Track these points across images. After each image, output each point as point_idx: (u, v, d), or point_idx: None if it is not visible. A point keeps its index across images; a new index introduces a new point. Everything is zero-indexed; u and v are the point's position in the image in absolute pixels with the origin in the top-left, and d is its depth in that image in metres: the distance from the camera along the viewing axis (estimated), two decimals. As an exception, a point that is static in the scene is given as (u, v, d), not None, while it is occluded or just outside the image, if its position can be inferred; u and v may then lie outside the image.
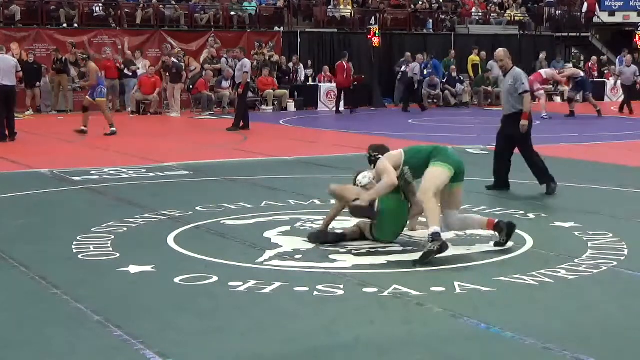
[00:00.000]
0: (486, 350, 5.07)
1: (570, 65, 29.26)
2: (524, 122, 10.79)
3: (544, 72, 24.55)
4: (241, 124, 19.71)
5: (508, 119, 10.98)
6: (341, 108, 25.65)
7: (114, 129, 17.88)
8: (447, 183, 7.44)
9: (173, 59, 24.42)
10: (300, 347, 5.03)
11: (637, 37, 31.99)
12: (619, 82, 31.29)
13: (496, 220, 7.68)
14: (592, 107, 23.97)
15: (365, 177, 7.96)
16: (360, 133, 18.46)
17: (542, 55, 30.39)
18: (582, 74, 25.25)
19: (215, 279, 6.51)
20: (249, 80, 20.26)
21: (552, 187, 10.56)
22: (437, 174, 7.39)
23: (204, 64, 26.32)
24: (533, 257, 7.31)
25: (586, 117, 23.24)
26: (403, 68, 28.39)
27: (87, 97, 18.13)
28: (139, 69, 25.51)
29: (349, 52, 29.27)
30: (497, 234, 7.63)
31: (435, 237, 7.08)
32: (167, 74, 24.51)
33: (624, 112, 25.23)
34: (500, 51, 10.94)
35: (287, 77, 27.51)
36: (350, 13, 31.07)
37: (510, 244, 7.62)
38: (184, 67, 24.86)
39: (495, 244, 7.60)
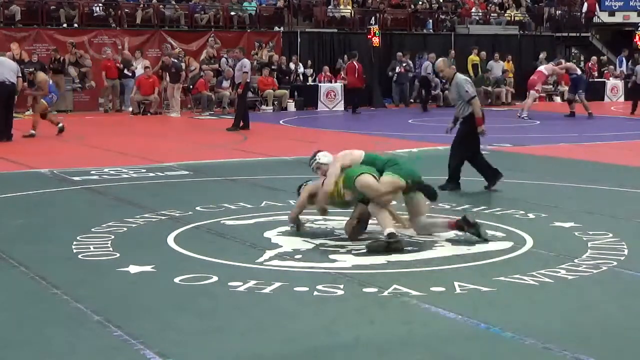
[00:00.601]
0: (486, 351, 5.07)
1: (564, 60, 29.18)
2: (481, 129, 10.85)
3: (545, 68, 24.48)
4: (241, 124, 19.70)
5: (462, 121, 11.01)
6: (341, 108, 25.68)
7: (33, 132, 17.71)
8: (400, 192, 7.74)
9: (172, 59, 24.42)
10: (300, 347, 5.03)
11: (637, 37, 31.99)
12: (620, 82, 31.35)
13: (455, 220, 7.84)
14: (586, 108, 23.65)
15: (325, 155, 8.25)
16: (360, 133, 18.48)
17: (542, 55, 30.39)
18: (578, 71, 25.18)
19: (215, 279, 6.51)
20: (248, 80, 20.22)
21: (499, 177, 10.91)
22: (388, 182, 7.62)
23: (202, 64, 26.33)
24: (533, 257, 7.31)
25: (586, 117, 23.21)
26: (397, 69, 28.41)
27: (42, 101, 18.09)
28: (136, 68, 25.50)
29: (349, 52, 29.29)
30: (462, 232, 7.79)
31: (391, 236, 7.35)
32: (167, 74, 24.50)
33: (635, 113, 24.81)
34: (440, 62, 11.17)
35: (287, 77, 27.52)
36: (350, 13, 31.07)
37: (495, 246, 7.62)
38: (183, 67, 24.85)
39: (477, 241, 7.71)
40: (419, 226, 7.96)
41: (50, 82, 18.68)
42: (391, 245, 7.35)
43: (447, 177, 10.90)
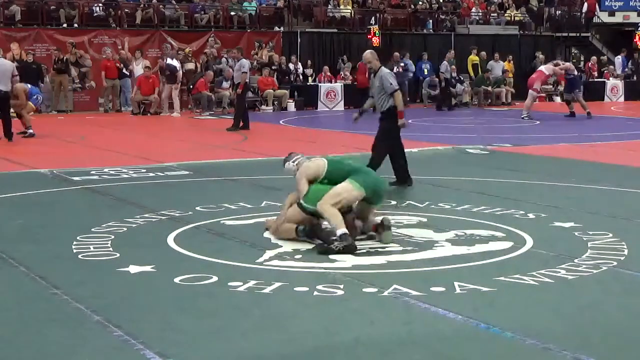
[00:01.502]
0: (486, 351, 5.07)
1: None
2: (402, 122, 11.09)
3: (545, 68, 24.45)
4: (241, 124, 19.70)
5: (381, 117, 11.28)
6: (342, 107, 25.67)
7: (31, 131, 17.68)
8: (356, 202, 7.72)
9: (167, 61, 24.48)
10: (300, 347, 5.03)
11: (637, 37, 31.98)
12: (620, 82, 31.33)
13: (379, 221, 7.85)
14: (582, 107, 23.57)
15: (296, 163, 8.12)
16: (360, 133, 18.48)
17: (541, 56, 30.37)
18: (575, 72, 25.18)
19: (215, 279, 6.51)
20: (247, 80, 20.25)
21: (408, 184, 11.09)
22: (346, 190, 7.58)
23: (206, 64, 26.32)
24: (533, 257, 7.31)
25: (586, 117, 23.21)
26: (395, 69, 28.39)
27: (29, 103, 18.05)
28: (133, 68, 25.52)
29: (349, 52, 29.31)
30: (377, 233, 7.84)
31: (342, 237, 7.30)
32: (163, 76, 24.64)
33: None
34: (368, 53, 11.26)
35: (287, 77, 27.51)
36: (350, 13, 31.07)
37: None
38: (178, 68, 24.89)
39: (477, 241, 7.78)
40: (364, 227, 7.97)
41: (29, 86, 18.52)
42: (345, 247, 7.26)
43: (396, 179, 11.13)
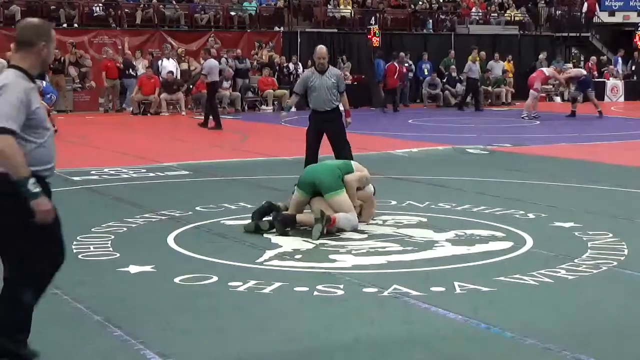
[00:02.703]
0: (486, 351, 5.07)
1: (571, 65, 29.09)
2: (349, 121, 11.13)
3: (546, 69, 24.39)
4: (213, 124, 19.82)
5: (334, 120, 10.99)
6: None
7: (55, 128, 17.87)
8: (302, 203, 8.46)
9: (170, 73, 24.73)
10: (300, 347, 5.03)
11: (637, 37, 31.96)
12: (620, 82, 31.31)
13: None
14: (593, 107, 23.53)
15: None
16: (360, 133, 18.47)
17: (542, 55, 30.38)
18: (585, 72, 25.13)
19: (215, 279, 6.51)
20: (217, 79, 20.70)
21: None
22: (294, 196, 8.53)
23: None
24: (533, 257, 7.31)
25: (586, 117, 23.21)
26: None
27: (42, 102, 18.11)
28: (137, 69, 25.55)
29: (349, 52, 29.31)
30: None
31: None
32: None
33: None
34: (324, 49, 11.09)
35: (287, 77, 27.48)
36: (350, 13, 31.07)
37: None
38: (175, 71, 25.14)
39: (477, 241, 7.84)
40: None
41: (44, 84, 18.56)
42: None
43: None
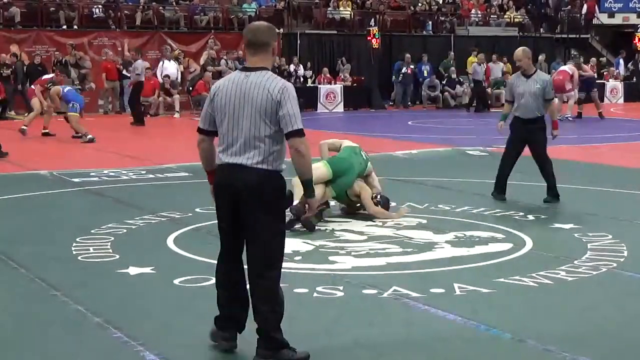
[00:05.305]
0: (486, 352, 5.07)
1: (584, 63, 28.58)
2: (556, 133, 10.55)
3: (568, 68, 23.40)
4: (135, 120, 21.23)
5: (531, 126, 10.33)
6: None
7: (90, 136, 17.36)
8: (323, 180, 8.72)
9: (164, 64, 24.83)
10: (299, 348, 5.02)
11: (636, 38, 31.95)
12: (619, 84, 31.27)
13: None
14: (593, 108, 23.38)
15: None
16: (359, 134, 18.47)
17: (542, 57, 30.35)
18: (593, 73, 25.12)
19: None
20: (142, 80, 22.09)
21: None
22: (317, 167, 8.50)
23: (205, 65, 26.31)
24: (533, 259, 7.31)
25: (586, 119, 23.19)
26: (404, 70, 28.39)
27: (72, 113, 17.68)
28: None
29: (349, 53, 29.30)
30: None
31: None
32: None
33: None
34: (518, 50, 10.56)
35: (286, 79, 27.50)
36: (350, 14, 31.06)
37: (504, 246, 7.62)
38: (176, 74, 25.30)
39: (476, 243, 7.78)
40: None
41: (68, 88, 18.17)
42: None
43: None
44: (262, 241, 4.73)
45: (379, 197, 9.13)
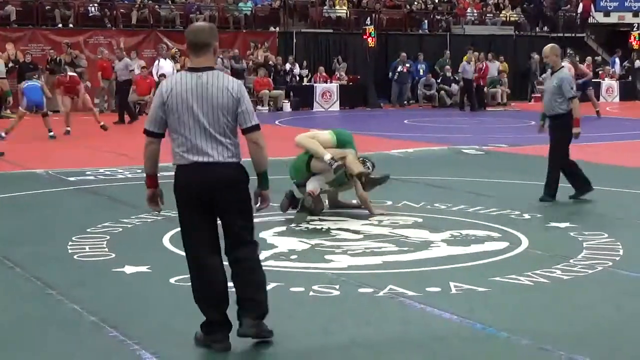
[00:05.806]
0: (482, 351, 5.08)
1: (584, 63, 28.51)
2: (577, 131, 10.37)
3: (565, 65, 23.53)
4: (128, 119, 21.83)
5: (552, 123, 10.23)
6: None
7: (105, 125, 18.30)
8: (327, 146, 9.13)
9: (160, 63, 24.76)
10: (296, 347, 5.03)
11: (632, 37, 31.99)
12: (615, 82, 31.27)
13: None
14: (591, 107, 23.41)
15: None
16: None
17: (536, 56, 30.31)
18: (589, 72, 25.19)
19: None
20: (130, 78, 22.74)
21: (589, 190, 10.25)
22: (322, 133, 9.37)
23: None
24: (528, 258, 7.32)
25: (583, 118, 23.11)
26: (400, 68, 28.40)
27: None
28: (133, 69, 25.50)
29: (345, 52, 29.31)
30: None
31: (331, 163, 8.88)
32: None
33: None
34: (547, 47, 10.64)
35: (282, 78, 27.48)
36: (346, 13, 31.07)
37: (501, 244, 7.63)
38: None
39: (472, 242, 7.80)
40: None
41: (28, 84, 18.33)
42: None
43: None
44: (240, 211, 5.07)
45: (367, 162, 9.40)
